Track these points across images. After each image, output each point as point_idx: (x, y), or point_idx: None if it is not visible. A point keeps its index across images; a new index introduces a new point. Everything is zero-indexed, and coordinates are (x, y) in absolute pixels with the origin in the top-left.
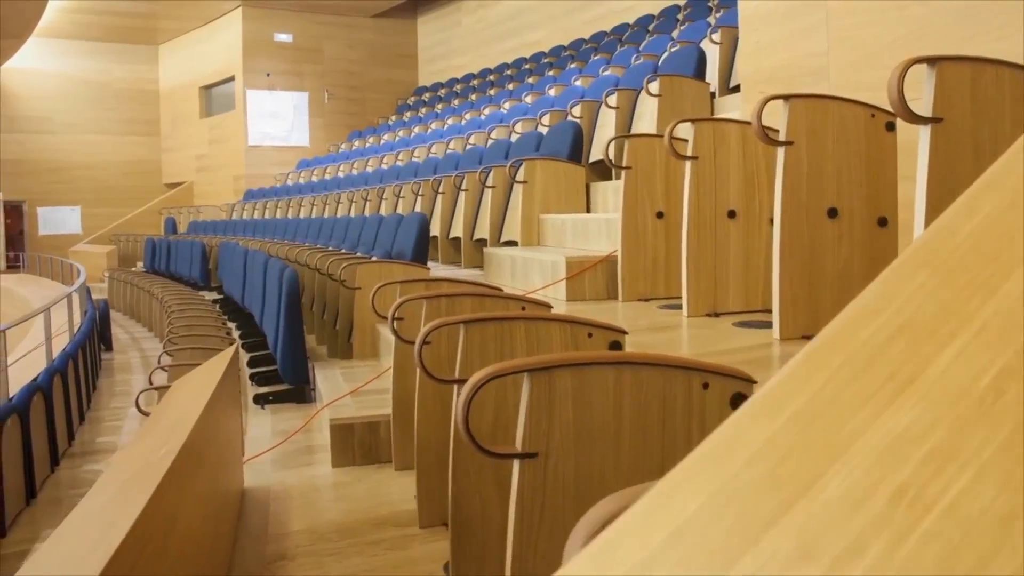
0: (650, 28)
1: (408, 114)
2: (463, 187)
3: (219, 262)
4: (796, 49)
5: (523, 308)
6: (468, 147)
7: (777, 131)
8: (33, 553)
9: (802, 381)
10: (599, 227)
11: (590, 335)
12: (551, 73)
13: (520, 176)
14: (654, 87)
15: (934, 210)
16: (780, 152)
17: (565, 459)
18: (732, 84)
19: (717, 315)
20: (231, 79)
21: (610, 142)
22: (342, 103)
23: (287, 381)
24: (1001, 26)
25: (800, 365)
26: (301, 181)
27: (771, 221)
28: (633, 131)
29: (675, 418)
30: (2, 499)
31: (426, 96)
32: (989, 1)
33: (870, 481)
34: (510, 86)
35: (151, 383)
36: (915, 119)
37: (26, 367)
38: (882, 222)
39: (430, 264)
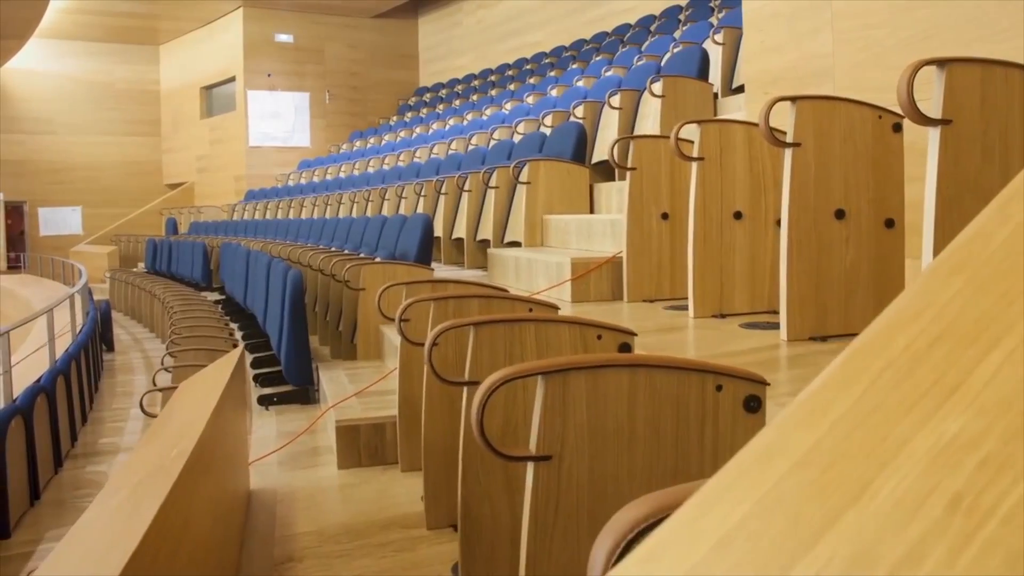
0: (652, 29)
1: (409, 114)
2: (466, 188)
3: (221, 263)
4: (801, 50)
5: (530, 310)
6: (470, 148)
7: (784, 132)
8: (44, 554)
9: (842, 387)
10: (603, 228)
11: (599, 337)
12: (552, 74)
13: (524, 177)
14: (657, 88)
15: (944, 211)
16: (787, 153)
17: (579, 461)
18: (735, 85)
19: (723, 316)
20: (232, 79)
21: (615, 143)
22: (343, 103)
23: (291, 382)
24: (1006, 28)
25: (839, 371)
26: (302, 182)
27: (777, 222)
28: (636, 132)
29: (688, 420)
30: (6, 500)
31: (427, 96)
32: (994, 2)
33: (923, 488)
34: (511, 86)
35: (155, 384)
36: (925, 121)
37: (28, 368)
38: (889, 223)
39: (433, 265)
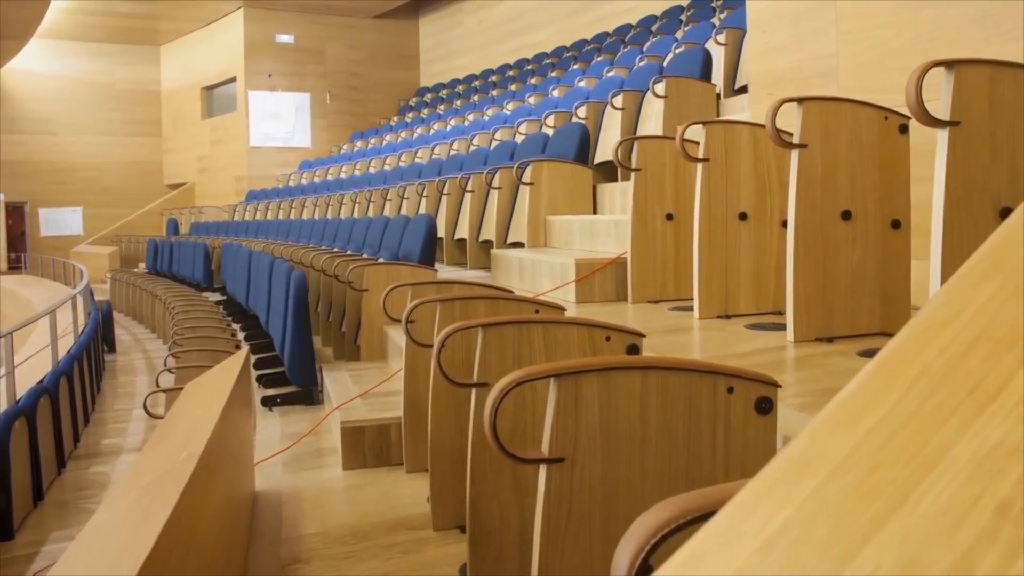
0: (653, 29)
1: (410, 115)
2: (468, 188)
3: (222, 263)
4: (805, 50)
5: (537, 311)
6: (472, 148)
7: (790, 133)
8: (48, 555)
9: (877, 393)
10: (607, 229)
11: (608, 338)
12: (554, 74)
13: (527, 177)
14: (660, 88)
15: (952, 213)
16: (794, 155)
17: (591, 464)
18: (737, 85)
19: (728, 317)
20: (233, 80)
21: (619, 144)
22: (344, 104)
23: (295, 383)
24: (1012, 28)
25: (872, 377)
26: (303, 182)
27: (782, 223)
28: (639, 132)
29: (700, 422)
30: (10, 501)
31: (428, 97)
32: (999, 2)
33: (969, 495)
34: (512, 87)
35: (158, 385)
36: (933, 122)
37: (30, 369)
38: (895, 224)
39: (435, 266)
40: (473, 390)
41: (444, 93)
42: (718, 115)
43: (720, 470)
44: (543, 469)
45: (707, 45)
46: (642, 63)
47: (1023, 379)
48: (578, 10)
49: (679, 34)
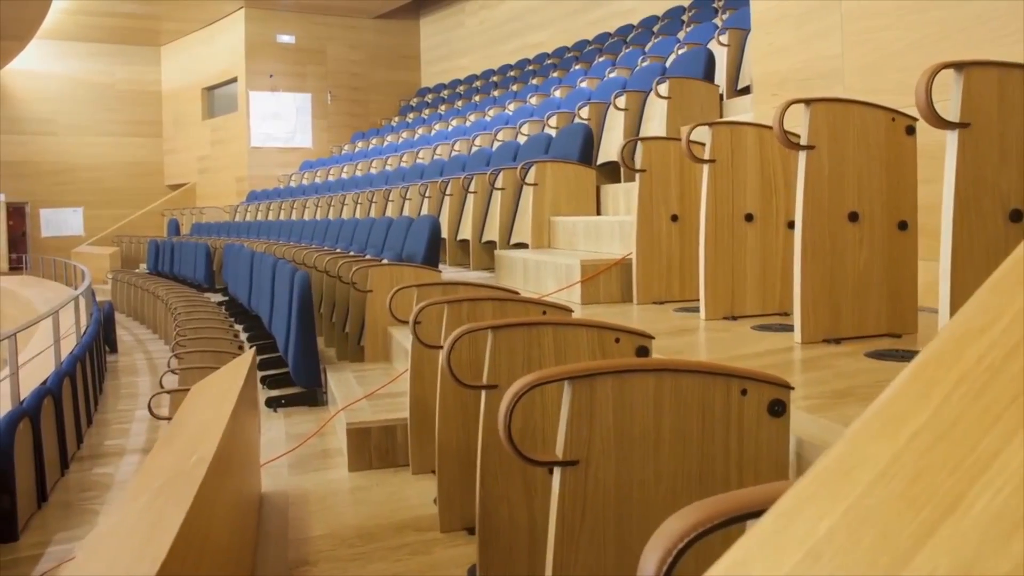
0: (655, 30)
1: (411, 115)
2: (471, 189)
3: (224, 264)
4: (810, 52)
5: (544, 312)
6: (474, 149)
7: (797, 135)
8: (53, 557)
9: (916, 400)
10: (612, 229)
11: (617, 340)
12: (555, 75)
13: (530, 178)
14: (663, 89)
15: (961, 214)
16: (801, 156)
17: (605, 466)
18: (740, 86)
19: (735, 318)
20: (234, 80)
21: (625, 145)
22: (345, 104)
23: (299, 384)
24: (1017, 30)
25: (909, 383)
26: (304, 183)
27: (788, 224)
28: (642, 133)
29: (714, 424)
30: (15, 503)
31: (429, 97)
32: (1004, 3)
33: (1022, 502)
34: (514, 87)
35: (162, 386)
36: (943, 124)
37: (32, 370)
38: (902, 226)
39: (438, 266)
40: (483, 392)
41: (445, 93)
42: (721, 116)
43: (733, 472)
44: (557, 471)
45: (710, 46)
46: (644, 64)
47: None
48: (579, 10)
49: (681, 35)
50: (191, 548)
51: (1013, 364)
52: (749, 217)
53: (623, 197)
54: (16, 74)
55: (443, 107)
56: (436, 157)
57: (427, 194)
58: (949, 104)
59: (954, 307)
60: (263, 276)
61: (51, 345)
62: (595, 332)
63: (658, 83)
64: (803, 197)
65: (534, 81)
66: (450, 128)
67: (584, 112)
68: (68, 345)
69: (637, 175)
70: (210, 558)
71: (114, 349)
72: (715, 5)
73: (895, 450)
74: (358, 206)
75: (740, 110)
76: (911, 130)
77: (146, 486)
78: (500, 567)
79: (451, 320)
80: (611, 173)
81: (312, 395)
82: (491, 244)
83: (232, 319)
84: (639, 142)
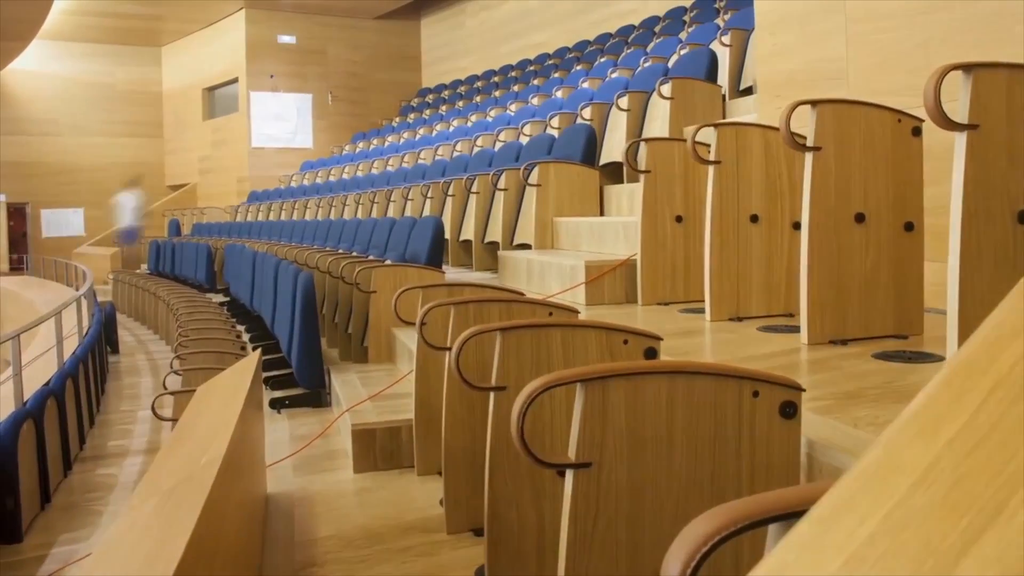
0: (656, 30)
1: (412, 116)
2: (474, 189)
3: (225, 264)
4: (814, 53)
5: (550, 314)
6: (476, 150)
7: (803, 136)
8: (57, 558)
9: (951, 405)
10: (616, 230)
11: (626, 342)
12: (557, 75)
13: (533, 179)
14: (666, 90)
15: (970, 216)
16: (808, 158)
17: (618, 468)
18: (742, 86)
19: (740, 319)
20: (234, 81)
21: (629, 145)
22: (345, 105)
23: (303, 385)
24: (1023, 31)
25: (943, 389)
26: (305, 183)
27: (794, 225)
28: (645, 134)
29: (726, 427)
30: (18, 504)
31: (430, 98)
32: (1010, 3)
33: None
34: (515, 88)
35: (165, 387)
36: (952, 126)
37: (34, 370)
38: (908, 227)
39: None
40: (492, 394)
41: (446, 94)
42: (724, 116)
43: (745, 474)
44: (570, 474)
45: (712, 46)
46: (646, 64)
47: None
48: (580, 11)
49: (683, 35)
50: (204, 550)
51: None
52: (754, 218)
53: (626, 198)
54: (17, 74)
55: (444, 107)
56: (438, 158)
57: (429, 195)
58: (957, 106)
59: (962, 309)
60: (265, 277)
61: (53, 346)
62: (604, 334)
63: (661, 84)
64: (809, 198)
65: (535, 82)
66: (451, 129)
67: (586, 113)
68: (70, 346)
69: (641, 176)
70: (221, 560)
71: (115, 350)
72: (717, 6)
73: (933, 455)
74: (359, 206)
75: (743, 111)
76: (917, 131)
77: (156, 488)
78: (508, 569)
79: (458, 321)
80: (613, 174)
81: (316, 396)
82: (493, 245)
83: (234, 320)
84: (643, 143)
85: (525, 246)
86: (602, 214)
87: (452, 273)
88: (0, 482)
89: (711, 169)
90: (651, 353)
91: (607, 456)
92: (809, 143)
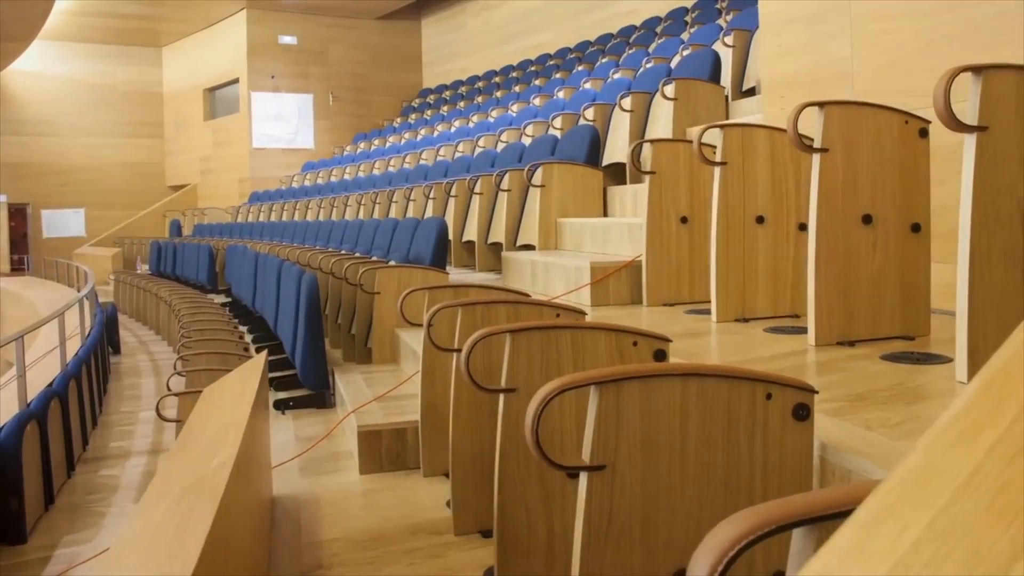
0: (658, 31)
1: (413, 116)
2: (477, 190)
3: (227, 265)
4: (819, 54)
5: (558, 315)
6: (478, 150)
7: (810, 138)
8: (61, 559)
9: (990, 412)
10: (620, 231)
11: (635, 344)
12: (558, 76)
13: (537, 180)
14: (669, 90)
15: (979, 218)
16: (815, 159)
17: (632, 471)
18: (745, 87)
19: (746, 320)
20: (235, 81)
21: (634, 146)
22: (347, 105)
23: (307, 386)
24: None
25: (981, 395)
26: (307, 183)
27: (799, 227)
28: (648, 135)
29: (739, 429)
30: (23, 506)
31: (431, 98)
32: (1015, 4)
33: None
34: (516, 88)
35: (169, 389)
36: (961, 128)
37: (36, 371)
38: (915, 228)
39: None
40: (501, 396)
41: (447, 95)
42: (727, 117)
43: (758, 477)
44: (584, 477)
45: (714, 47)
46: (649, 65)
47: None
48: (581, 11)
49: (686, 36)
50: (218, 552)
51: None
52: (760, 219)
53: (629, 198)
54: (18, 75)
55: (445, 108)
56: (439, 158)
57: (431, 195)
58: (966, 107)
59: (972, 311)
60: (268, 278)
61: (56, 347)
62: (613, 335)
63: (664, 84)
64: (817, 200)
65: (536, 82)
66: (453, 129)
67: (589, 113)
68: (72, 347)
69: (647, 177)
70: (233, 562)
71: (117, 350)
72: (719, 6)
73: (975, 462)
74: (361, 207)
75: (746, 112)
76: (924, 132)
77: (167, 490)
78: (518, 569)
79: (465, 323)
80: (616, 174)
81: (320, 397)
82: (496, 246)
83: (236, 320)
84: (648, 144)
85: (529, 247)
86: (605, 215)
87: (455, 274)
88: (5, 483)
89: (717, 170)
90: (661, 355)
91: (621, 458)
92: (816, 144)
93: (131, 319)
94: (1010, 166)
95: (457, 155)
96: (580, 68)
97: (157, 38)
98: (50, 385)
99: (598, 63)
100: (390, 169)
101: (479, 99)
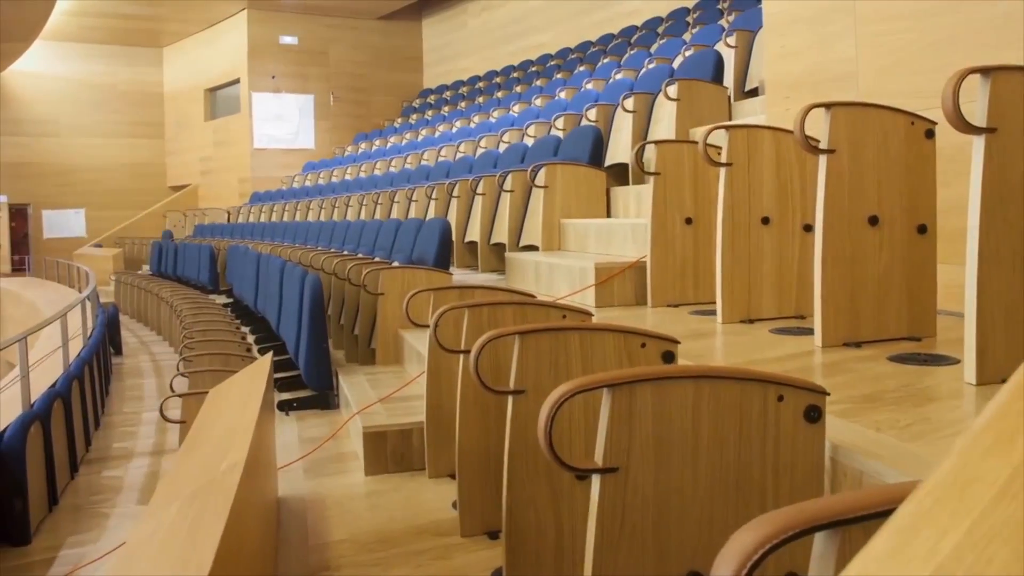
0: (659, 31)
1: (414, 116)
2: (479, 191)
3: (228, 266)
4: (824, 55)
5: (564, 316)
6: (479, 151)
7: (816, 139)
8: (65, 560)
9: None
10: (624, 232)
11: (643, 345)
12: (559, 76)
13: (540, 180)
14: (672, 91)
15: (988, 219)
16: (822, 160)
17: (644, 473)
18: (748, 88)
19: (751, 321)
20: (236, 82)
21: (638, 147)
22: (347, 105)
23: (311, 387)
24: None
25: (1013, 399)
26: (307, 184)
27: (805, 227)
28: (651, 135)
29: (751, 431)
30: (27, 507)
31: (431, 99)
32: (1020, 5)
33: None
34: (517, 88)
35: (172, 390)
36: (970, 129)
37: (38, 372)
38: (921, 229)
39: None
40: (510, 397)
41: (448, 95)
42: (730, 118)
43: (770, 478)
44: (597, 479)
45: (716, 47)
46: (651, 65)
47: None
48: (582, 11)
49: (687, 36)
50: (231, 554)
51: None
52: (766, 220)
53: (633, 199)
54: (18, 75)
55: (446, 108)
56: (441, 159)
57: (433, 196)
58: (974, 108)
59: (980, 313)
60: (270, 279)
61: (57, 348)
62: (621, 337)
63: (667, 85)
64: (823, 201)
65: (538, 83)
66: (454, 130)
67: (591, 114)
68: (74, 347)
69: (652, 178)
70: (245, 563)
71: (119, 351)
72: (720, 7)
73: (1012, 467)
74: (363, 208)
75: (748, 112)
76: (930, 133)
77: (176, 492)
78: (526, 570)
79: (472, 325)
80: (618, 175)
81: (324, 398)
82: (499, 246)
83: (238, 321)
84: (651, 145)
85: (532, 247)
86: (609, 216)
87: (458, 274)
88: (9, 484)
89: (722, 171)
90: (669, 356)
91: (634, 461)
92: (823, 146)
93: (132, 319)
94: (1018, 167)
95: (459, 156)
96: (581, 68)
97: (158, 38)
98: (53, 386)
99: (599, 63)
100: (391, 170)
101: (480, 99)
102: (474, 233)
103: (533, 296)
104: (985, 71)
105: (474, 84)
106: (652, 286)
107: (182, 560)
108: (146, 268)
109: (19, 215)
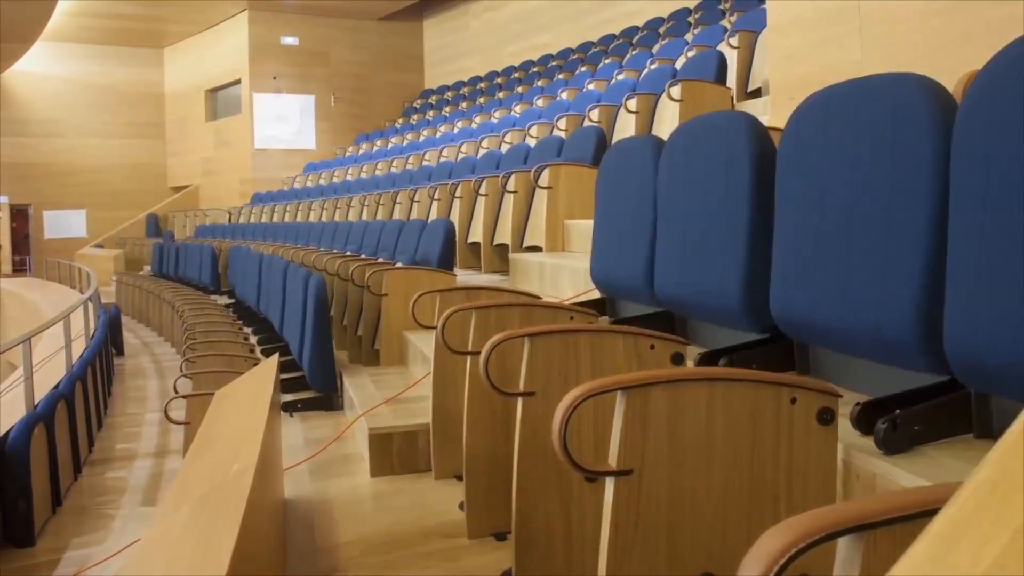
0: (660, 32)
1: (415, 117)
2: (482, 192)
3: (230, 266)
4: (828, 56)
5: (571, 318)
6: (481, 151)
7: None
8: (70, 562)
9: None
10: None
11: (652, 347)
12: (561, 76)
13: (543, 181)
14: (675, 92)
15: None
16: None
17: (658, 476)
18: (750, 88)
19: None
20: (237, 82)
21: None
22: (348, 106)
23: (316, 388)
24: None
25: None
26: (309, 184)
27: None
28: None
29: (764, 433)
30: (31, 508)
31: (433, 99)
32: None
33: None
34: (519, 89)
35: (176, 391)
36: None
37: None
38: None
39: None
40: (520, 399)
41: (449, 95)
42: None
43: (783, 481)
44: (610, 482)
45: (719, 48)
46: (653, 66)
47: None
48: (584, 12)
49: (689, 37)
50: (245, 557)
51: None
52: None
53: None
54: (19, 76)
55: (447, 109)
56: (442, 159)
57: (436, 196)
58: None
59: None
60: (273, 279)
61: (60, 349)
62: (631, 339)
63: (670, 86)
64: None
65: (539, 83)
66: (455, 130)
67: (594, 114)
68: (76, 348)
69: None
70: (258, 566)
71: (121, 352)
72: (722, 7)
73: None
74: (364, 208)
75: (752, 113)
76: None
77: (187, 495)
78: (536, 572)
79: (479, 326)
80: None
81: (328, 399)
82: (502, 247)
83: (240, 322)
84: None
85: (535, 248)
86: None
87: (461, 275)
88: (13, 485)
89: None
90: (678, 358)
91: (648, 463)
92: None
93: (133, 320)
94: None
95: (460, 156)
96: (583, 69)
97: (159, 39)
98: (56, 387)
99: (601, 64)
100: (392, 170)
101: (481, 100)
102: (477, 234)
103: (539, 297)
104: None
105: (475, 84)
106: None
107: (197, 562)
108: (147, 269)
109: (20, 216)
